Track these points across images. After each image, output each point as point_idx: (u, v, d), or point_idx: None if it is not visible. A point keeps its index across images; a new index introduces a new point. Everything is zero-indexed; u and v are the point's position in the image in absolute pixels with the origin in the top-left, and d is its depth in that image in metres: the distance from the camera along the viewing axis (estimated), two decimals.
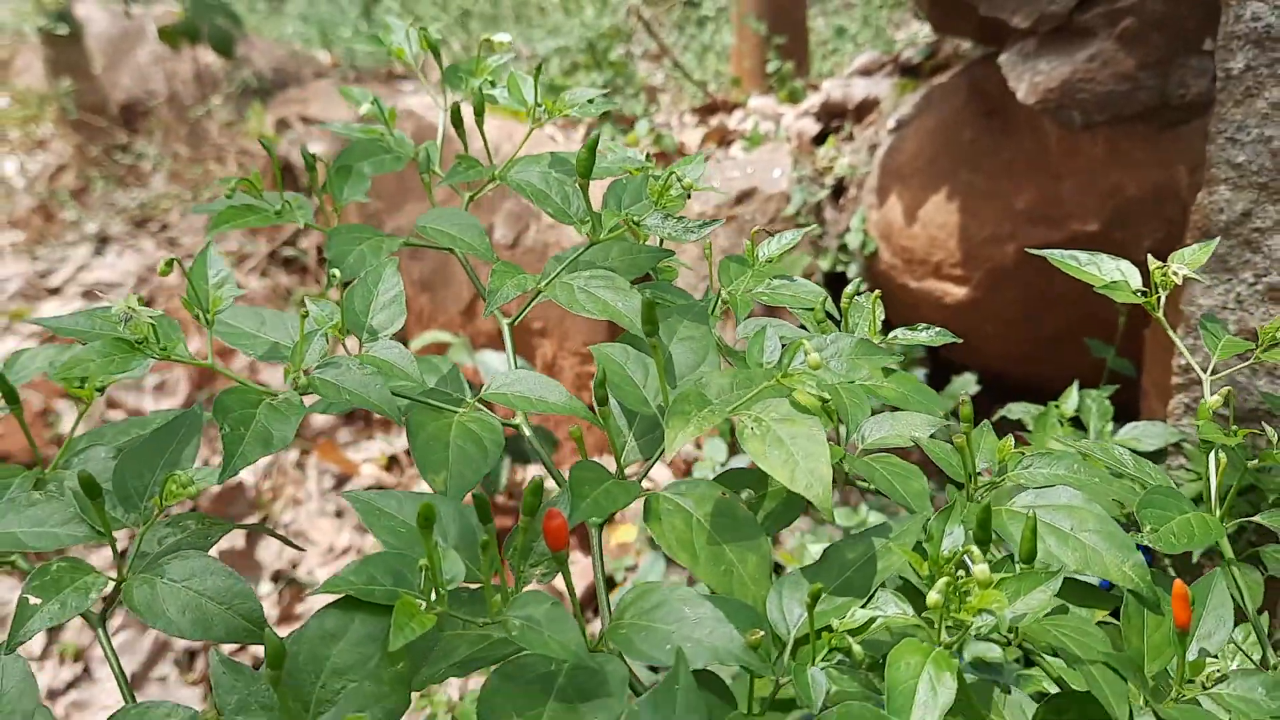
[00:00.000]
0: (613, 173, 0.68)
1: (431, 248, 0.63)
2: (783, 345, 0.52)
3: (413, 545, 0.42)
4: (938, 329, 0.64)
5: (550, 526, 0.41)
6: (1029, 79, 1.75)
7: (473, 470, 0.46)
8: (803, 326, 0.63)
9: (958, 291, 2.16)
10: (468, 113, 2.30)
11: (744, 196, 2.51)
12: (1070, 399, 1.15)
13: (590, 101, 0.68)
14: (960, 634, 0.44)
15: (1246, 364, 1.22)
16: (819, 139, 2.75)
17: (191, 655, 2.71)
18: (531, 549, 0.43)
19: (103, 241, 3.82)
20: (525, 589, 0.43)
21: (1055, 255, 0.70)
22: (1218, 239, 0.83)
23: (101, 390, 0.50)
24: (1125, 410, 1.50)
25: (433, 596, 0.39)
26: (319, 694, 0.38)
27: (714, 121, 3.09)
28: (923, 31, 4.81)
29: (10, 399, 0.47)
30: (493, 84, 0.72)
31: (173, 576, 0.43)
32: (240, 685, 0.38)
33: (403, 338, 3.14)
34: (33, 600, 0.40)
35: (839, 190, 2.50)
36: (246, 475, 3.10)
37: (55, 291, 3.55)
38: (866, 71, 2.82)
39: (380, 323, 0.54)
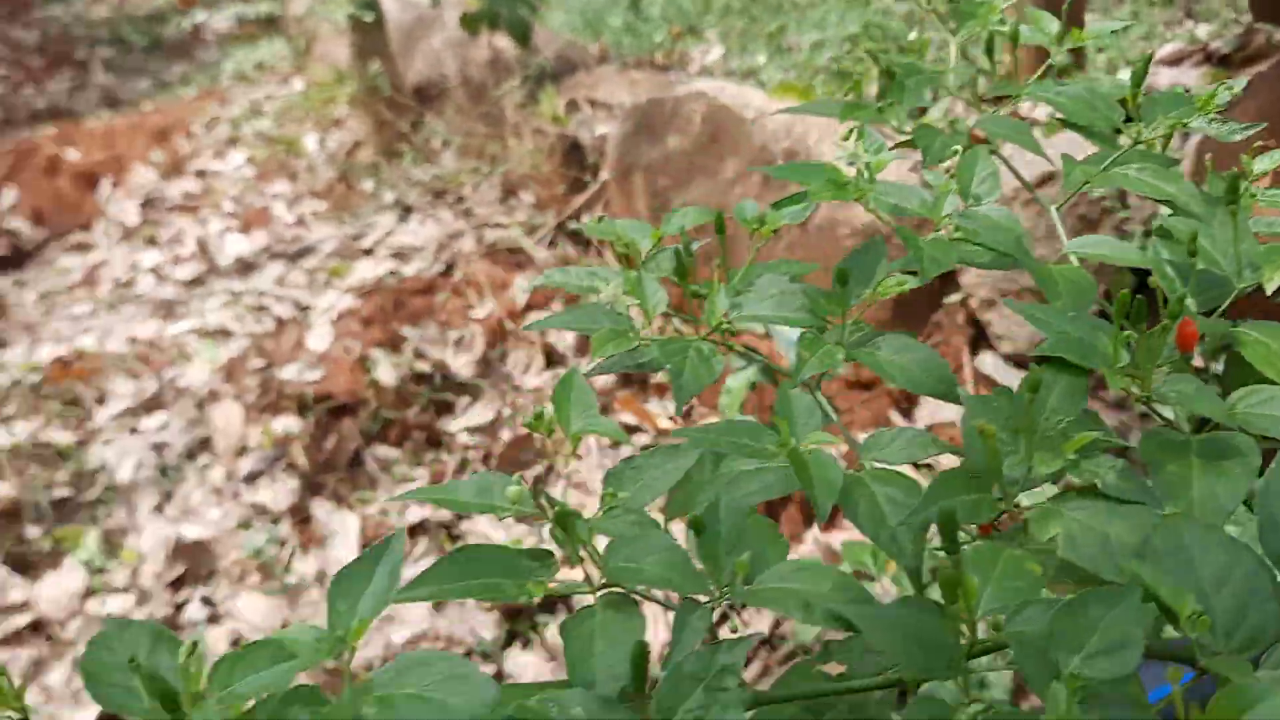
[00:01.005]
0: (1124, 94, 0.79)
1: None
2: None
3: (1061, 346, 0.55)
4: None
5: (1184, 331, 0.54)
6: None
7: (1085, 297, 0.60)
8: None
9: None
10: (758, 95, 2.45)
11: (1045, 180, 2.56)
12: None
13: (1113, 32, 0.79)
14: None
15: None
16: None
17: None
18: (1159, 351, 0.55)
19: (405, 211, 4.19)
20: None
21: None
22: None
23: (776, 231, 0.65)
24: None
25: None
26: (1043, 426, 0.51)
27: (1004, 110, 3.14)
28: (1201, 29, 4.66)
29: (719, 228, 0.61)
30: (1002, 21, 0.84)
31: (885, 350, 0.57)
32: (980, 409, 0.52)
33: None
34: (804, 355, 0.55)
35: None
36: None
37: (368, 252, 3.93)
38: (1173, 61, 2.80)
39: (981, 192, 0.68)
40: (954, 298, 2.75)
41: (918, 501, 0.51)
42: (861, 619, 0.43)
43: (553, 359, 3.54)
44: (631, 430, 3.16)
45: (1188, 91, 0.84)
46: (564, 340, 3.55)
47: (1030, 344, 2.57)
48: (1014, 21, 0.80)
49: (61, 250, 5.49)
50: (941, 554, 0.54)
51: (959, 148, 0.70)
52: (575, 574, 0.52)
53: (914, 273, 0.59)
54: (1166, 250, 0.65)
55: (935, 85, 0.83)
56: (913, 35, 0.80)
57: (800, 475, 0.50)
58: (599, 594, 0.48)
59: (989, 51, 0.80)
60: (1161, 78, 2.69)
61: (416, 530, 3.08)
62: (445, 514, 3.17)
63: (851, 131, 0.67)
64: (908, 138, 0.73)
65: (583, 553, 0.49)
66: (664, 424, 2.86)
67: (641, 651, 0.34)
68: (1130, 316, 0.54)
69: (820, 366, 0.55)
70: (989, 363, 2.64)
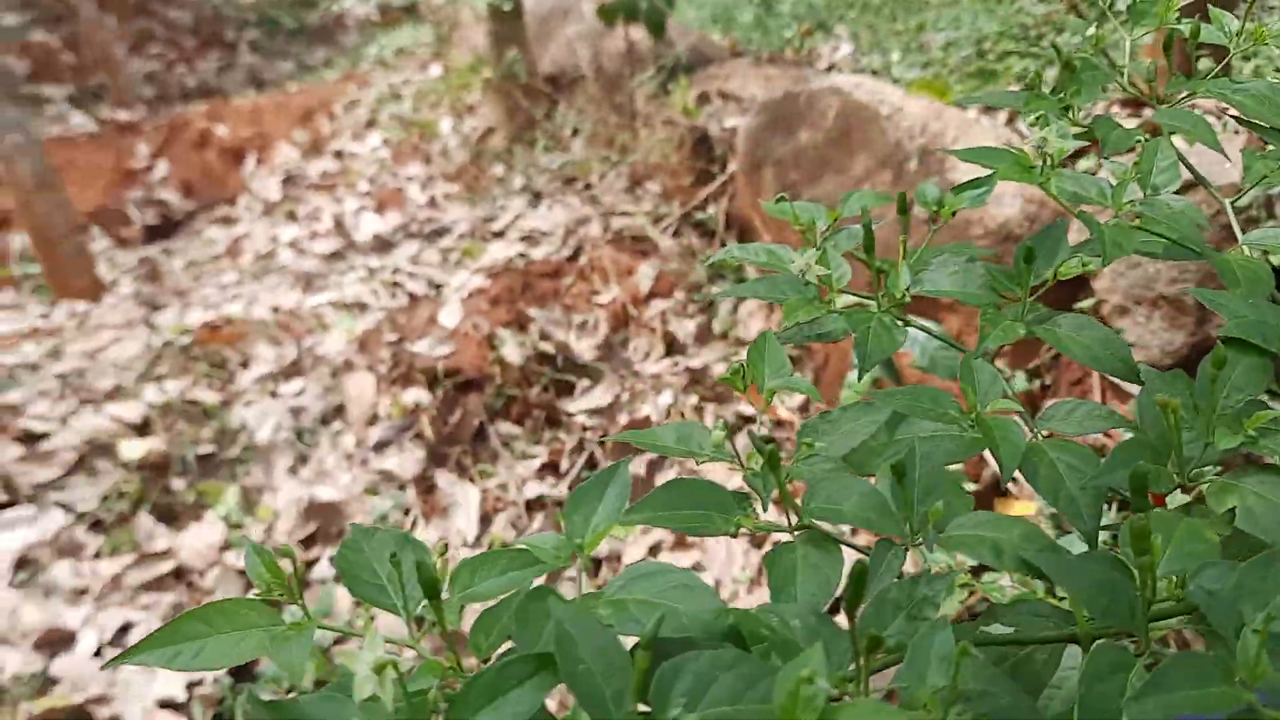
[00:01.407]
0: None
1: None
2: None
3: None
4: None
5: None
6: None
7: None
8: None
9: None
10: (894, 91, 2.44)
11: (1186, 187, 2.50)
12: None
13: None
14: None
15: None
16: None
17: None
18: None
19: (535, 196, 4.29)
20: None
21: None
22: None
23: (953, 211, 0.68)
24: None
25: None
26: (1223, 404, 0.54)
27: (1146, 114, 3.07)
28: None
29: (902, 208, 0.65)
30: (1178, 21, 0.85)
31: (1065, 328, 0.60)
32: (1160, 384, 0.54)
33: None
34: (986, 328, 0.58)
35: None
36: (653, 412, 3.38)
37: (499, 235, 4.03)
38: None
39: (1160, 182, 0.70)
40: (1086, 303, 2.71)
41: (1093, 469, 0.54)
42: (1051, 566, 0.46)
43: (673, 348, 3.59)
44: (747, 420, 3.19)
45: None
46: (684, 329, 3.59)
47: (1162, 353, 2.52)
48: (1193, 20, 0.81)
49: (208, 222, 5.77)
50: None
51: (1142, 138, 0.72)
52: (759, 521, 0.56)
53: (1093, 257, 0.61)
54: None
55: (1111, 81, 0.84)
56: (1091, 31, 0.81)
57: (987, 438, 0.53)
58: (797, 533, 0.52)
59: (1167, 50, 0.81)
60: None
61: (534, 505, 3.17)
62: (561, 491, 3.24)
63: (1039, 118, 0.69)
64: (1083, 129, 0.75)
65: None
66: (783, 414, 2.88)
67: (863, 570, 0.37)
68: None
69: (1003, 339, 0.58)
70: None
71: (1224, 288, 0.69)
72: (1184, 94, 0.79)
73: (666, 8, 4.24)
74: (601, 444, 3.36)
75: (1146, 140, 0.73)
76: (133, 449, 3.17)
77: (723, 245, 3.77)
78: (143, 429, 3.28)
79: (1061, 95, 0.74)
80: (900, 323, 0.65)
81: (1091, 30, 0.81)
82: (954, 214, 0.68)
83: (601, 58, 4.80)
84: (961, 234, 2.90)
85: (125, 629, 2.72)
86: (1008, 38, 3.27)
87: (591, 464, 3.31)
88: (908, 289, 0.62)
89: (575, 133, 4.84)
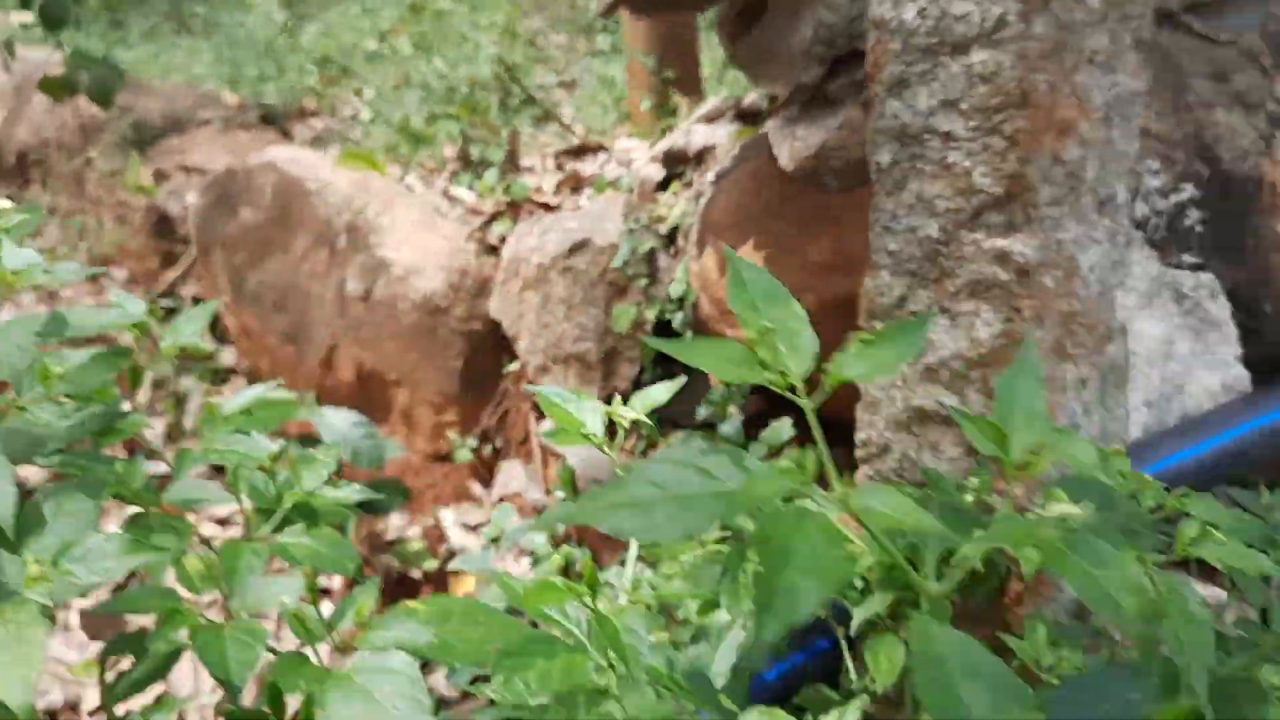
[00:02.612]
0: None
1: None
2: None
3: None
4: None
5: None
6: (789, 145, 1.81)
7: None
8: None
9: None
10: (323, 164, 2.34)
11: (578, 247, 2.57)
12: None
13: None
14: None
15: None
16: (663, 185, 2.81)
17: None
18: None
19: None
20: None
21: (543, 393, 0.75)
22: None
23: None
24: None
25: None
26: None
27: (573, 166, 3.15)
28: None
29: None
30: None
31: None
32: None
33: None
34: None
35: (673, 238, 2.56)
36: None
37: None
38: (711, 118, 2.87)
39: None
40: (513, 366, 2.73)
41: None
42: None
43: (134, 453, 3.30)
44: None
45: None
46: (151, 431, 3.32)
47: None
48: None
49: None
50: None
51: None
52: None
53: None
54: None
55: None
56: None
57: None
58: None
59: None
60: (697, 135, 2.75)
61: None
62: None
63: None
64: None
65: None
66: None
67: None
68: None
69: None
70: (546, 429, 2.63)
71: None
72: None
73: (115, 79, 3.91)
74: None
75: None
76: None
77: None
78: None
79: None
80: None
81: None
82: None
83: (64, 133, 4.39)
84: (392, 308, 2.84)
85: None
86: (435, 99, 3.25)
87: None
88: None
89: (52, 214, 4.40)
